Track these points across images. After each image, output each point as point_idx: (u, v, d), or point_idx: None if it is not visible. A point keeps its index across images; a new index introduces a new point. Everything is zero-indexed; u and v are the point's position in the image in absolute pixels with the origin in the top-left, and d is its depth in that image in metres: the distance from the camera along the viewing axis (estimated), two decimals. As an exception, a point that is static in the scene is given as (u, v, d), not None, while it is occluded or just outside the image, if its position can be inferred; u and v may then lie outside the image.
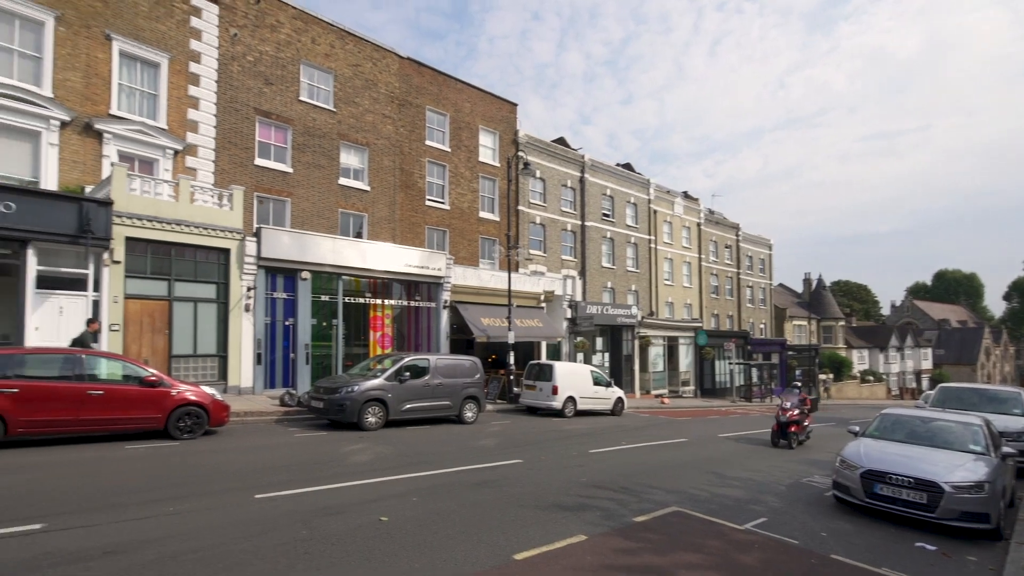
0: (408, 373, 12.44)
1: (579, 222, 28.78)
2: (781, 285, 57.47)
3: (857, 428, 8.76)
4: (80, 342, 10.37)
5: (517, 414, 16.60)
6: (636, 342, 27.91)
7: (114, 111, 14.39)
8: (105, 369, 8.86)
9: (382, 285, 17.76)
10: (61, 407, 8.06)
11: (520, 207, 25.70)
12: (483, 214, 24.20)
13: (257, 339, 14.36)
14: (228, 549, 4.48)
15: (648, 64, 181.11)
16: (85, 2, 14.06)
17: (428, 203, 22.10)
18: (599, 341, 26.73)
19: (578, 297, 26.73)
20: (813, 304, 50.50)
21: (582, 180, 29.06)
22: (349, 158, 19.76)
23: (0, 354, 8.00)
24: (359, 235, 19.43)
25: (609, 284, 30.25)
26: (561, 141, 30.33)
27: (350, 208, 19.50)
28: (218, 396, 10.10)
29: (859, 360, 55.02)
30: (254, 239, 14.61)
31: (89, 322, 11.10)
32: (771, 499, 7.72)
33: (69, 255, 11.70)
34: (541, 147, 27.13)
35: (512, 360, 18.82)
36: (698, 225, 38.05)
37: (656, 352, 29.80)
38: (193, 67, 16.00)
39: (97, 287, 11.92)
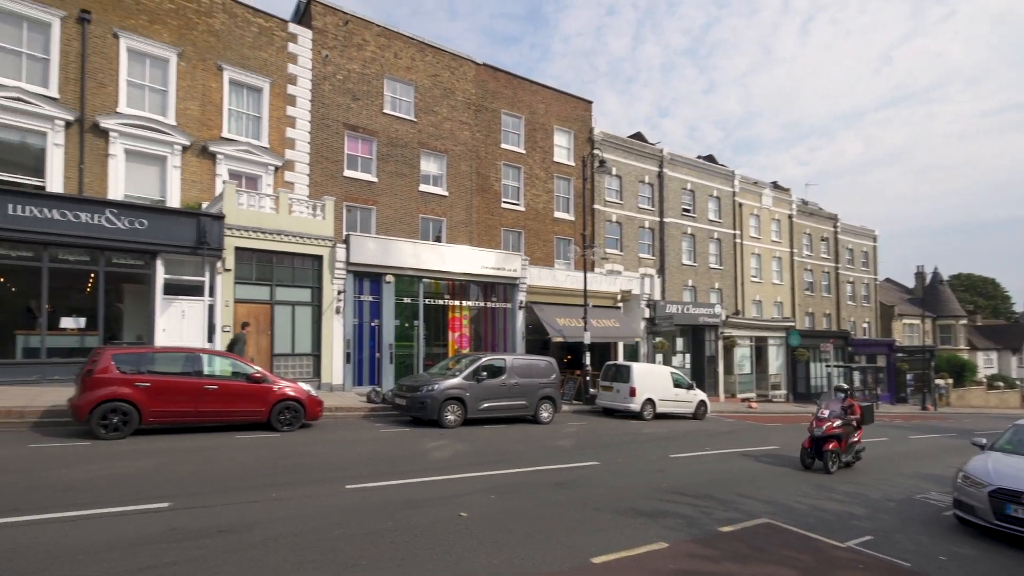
0: (485, 373, 12.72)
1: (657, 219, 27.94)
2: (888, 280, 52.24)
3: (984, 441, 7.84)
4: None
5: (593, 415, 16.46)
6: (720, 343, 26.62)
7: (225, 134, 15.98)
8: (218, 366, 9.88)
9: (460, 287, 18.31)
10: (183, 400, 9.09)
11: (596, 206, 25.41)
12: (558, 214, 24.20)
13: (346, 339, 15.35)
14: (324, 535, 4.81)
15: (731, 49, 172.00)
16: (202, 38, 15.74)
17: (504, 205, 22.46)
18: (679, 342, 25.79)
19: (656, 296, 25.98)
20: (927, 301, 45.37)
21: (660, 175, 28.18)
22: (429, 165, 20.55)
23: (135, 353, 9.22)
24: (438, 239, 20.16)
25: (690, 282, 29.09)
26: (638, 136, 29.61)
27: (430, 213, 20.27)
28: (313, 392, 10.91)
29: (985, 363, 48.72)
30: (343, 246, 15.61)
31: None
32: (879, 515, 7.10)
33: (189, 264, 13.21)
34: (617, 143, 26.65)
35: (588, 360, 18.67)
36: (789, 217, 35.56)
37: (742, 353, 28.24)
38: (290, 89, 17.38)
39: (212, 292, 13.36)
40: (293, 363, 14.51)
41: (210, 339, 13.06)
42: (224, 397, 9.49)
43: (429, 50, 20.78)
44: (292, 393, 10.28)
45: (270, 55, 17.05)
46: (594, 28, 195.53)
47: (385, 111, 19.42)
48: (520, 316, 19.29)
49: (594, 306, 20.35)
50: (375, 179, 19.03)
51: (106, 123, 13.89)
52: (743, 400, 26.09)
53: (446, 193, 20.73)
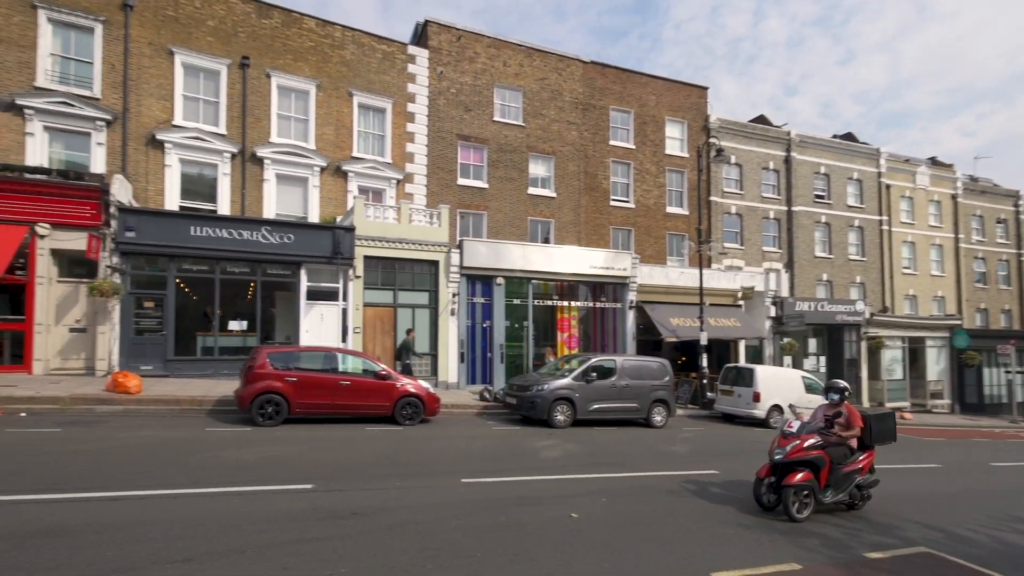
0: (595, 374, 12.70)
1: (784, 208, 25.63)
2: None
3: None
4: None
5: (711, 421, 15.67)
6: (863, 344, 23.72)
7: (355, 154, 17.75)
8: (351, 364, 11.09)
9: (568, 287, 18.45)
10: (323, 393, 10.32)
11: (713, 198, 24.02)
12: (670, 209, 23.28)
13: (460, 339, 16.27)
14: (442, 526, 5.15)
15: (874, 12, 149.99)
16: (335, 69, 17.61)
17: (613, 203, 22.16)
18: (812, 343, 23.47)
19: (784, 293, 23.81)
20: None
21: (787, 160, 25.81)
22: (537, 168, 20.95)
23: (284, 351, 10.70)
24: (547, 240, 20.49)
25: (824, 276, 26.27)
26: (760, 120, 27.37)
27: (538, 215, 20.67)
28: (431, 389, 11.78)
29: None
30: (457, 251, 16.55)
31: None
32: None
33: (326, 272, 14.94)
34: (736, 129, 24.93)
35: (705, 362, 17.79)
36: (952, 197, 30.52)
37: (892, 356, 24.86)
38: (409, 107, 18.77)
39: (345, 297, 14.99)
40: (413, 362, 15.72)
41: (343, 339, 14.68)
42: (355, 392, 10.61)
43: (536, 54, 21.15)
44: (413, 390, 11.16)
45: (392, 77, 18.56)
46: (709, 9, 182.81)
47: (495, 119, 20.16)
48: (630, 316, 18.94)
49: (711, 304, 19.33)
50: (486, 185, 19.85)
51: (261, 152, 16.17)
52: (893, 410, 23.00)
53: (554, 194, 20.98)
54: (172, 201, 15.02)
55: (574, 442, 10.31)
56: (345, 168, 17.40)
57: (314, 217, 16.65)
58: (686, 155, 23.59)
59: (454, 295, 16.24)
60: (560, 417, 11.97)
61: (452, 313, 16.16)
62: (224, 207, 15.64)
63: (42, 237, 12.10)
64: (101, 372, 12.36)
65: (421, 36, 20.02)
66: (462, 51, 19.82)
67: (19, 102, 13.42)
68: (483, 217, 19.75)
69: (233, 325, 14.08)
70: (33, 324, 12.05)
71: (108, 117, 14.31)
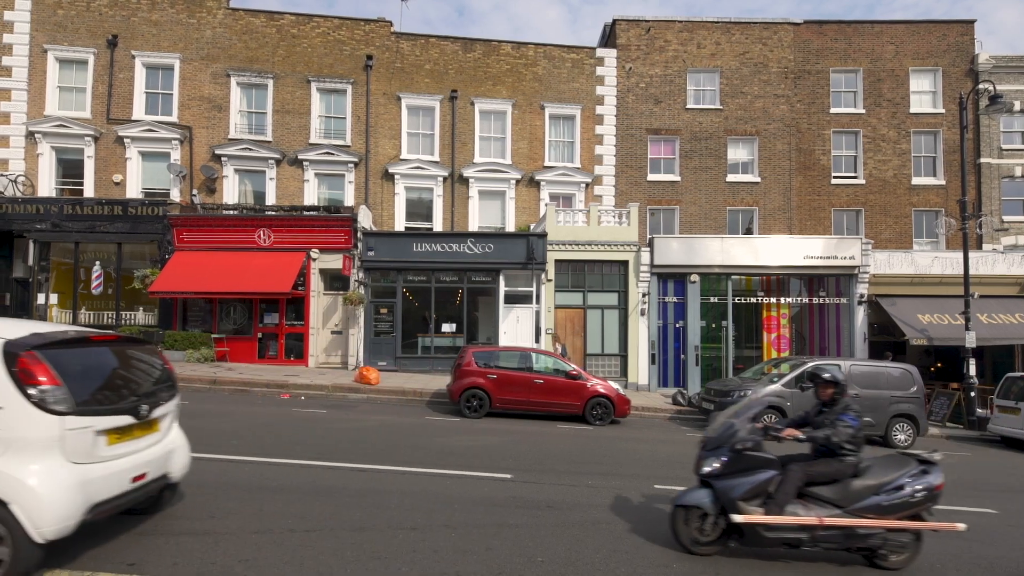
0: (811, 381, 11.25)
1: (1113, 163, 18.66)
2: None
3: None
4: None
5: (982, 445, 12.39)
6: None
7: (546, 163, 18.78)
8: (543, 363, 11.86)
9: (776, 282, 16.53)
10: (519, 390, 11.25)
11: (983, 159, 18.84)
12: (918, 180, 18.99)
13: (651, 341, 15.92)
14: (636, 529, 5.04)
15: None
16: (528, 86, 18.88)
17: (834, 181, 19.05)
18: None
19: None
20: None
21: (1117, 96, 18.71)
22: (737, 152, 19.25)
23: (485, 351, 12.00)
24: (749, 231, 18.66)
25: None
26: (1066, 47, 20.32)
27: (738, 204, 18.95)
28: (621, 391, 11.86)
29: None
30: (647, 249, 16.24)
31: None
32: None
33: (521, 277, 16.21)
34: (1018, 68, 19.05)
35: (973, 370, 14.10)
36: None
37: None
38: (598, 110, 19.07)
39: (538, 300, 16.02)
40: (603, 362, 15.99)
41: (536, 340, 15.69)
42: (548, 390, 11.31)
43: (735, 28, 19.44)
44: (603, 390, 11.40)
45: (580, 84, 19.09)
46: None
47: (688, 107, 19.17)
48: (860, 313, 16.06)
49: (981, 296, 15.22)
50: (678, 178, 18.99)
51: (467, 173, 18.28)
52: None
53: (758, 179, 18.99)
54: (399, 223, 18.04)
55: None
56: (538, 178, 18.53)
57: (510, 226, 18.16)
58: (940, 110, 18.97)
59: (644, 295, 15.99)
60: (767, 427, 10.94)
61: (642, 313, 15.94)
62: (438, 224, 18.14)
63: (314, 260, 15.88)
64: (351, 366, 15.63)
65: (609, 37, 20.11)
66: (651, 42, 19.30)
67: (300, 157, 17.71)
68: (675, 212, 18.94)
69: (445, 327, 16.25)
70: (309, 328, 15.92)
71: (355, 159, 17.89)
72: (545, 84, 18.91)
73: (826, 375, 4.78)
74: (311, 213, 16.09)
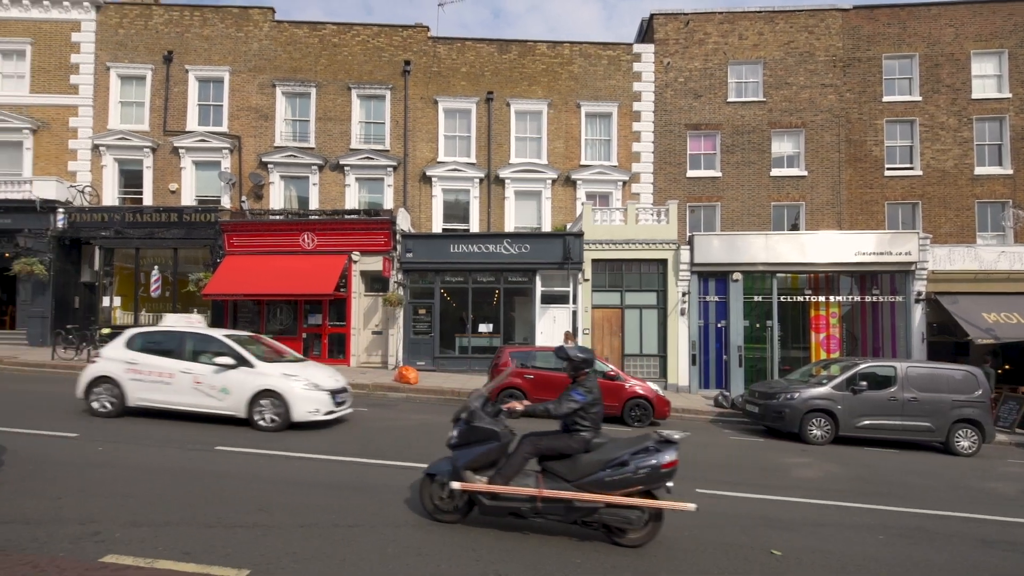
0: (864, 382, 10.72)
1: None
2: None
3: None
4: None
5: (1058, 455, 11.53)
6: None
7: (583, 162, 18.64)
8: (580, 364, 11.80)
9: (825, 280, 15.84)
10: (555, 390, 10.89)
11: (1059, 147, 17.49)
12: (981, 170, 17.84)
13: (691, 341, 15.53)
14: (676, 536, 4.83)
15: None
16: (564, 85, 18.80)
17: (888, 173, 18.12)
18: None
19: None
20: None
21: None
22: (781, 146, 18.58)
23: (522, 351, 12.00)
24: (795, 227, 17.98)
25: None
26: None
27: (783, 199, 18.28)
28: (660, 392, 11.63)
29: None
30: (687, 247, 15.88)
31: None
32: None
33: (557, 277, 16.13)
34: (1100, 46, 17.61)
35: (1047, 375, 13.13)
36: None
37: None
38: (635, 106, 18.79)
39: (575, 300, 15.91)
40: (641, 363, 15.72)
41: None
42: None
43: (780, 17, 18.78)
44: (641, 391, 11.22)
45: (617, 81, 18.86)
46: None
47: (729, 100, 18.65)
48: (918, 312, 15.22)
49: (1056, 296, 14.17)
50: (719, 174, 18.50)
51: (503, 173, 18.35)
52: None
53: (804, 173, 18.27)
54: (437, 225, 18.29)
55: (836, 462, 8.90)
56: (574, 177, 18.42)
57: (546, 226, 18.10)
58: (1006, 95, 17.78)
59: (684, 294, 15.64)
60: (816, 432, 10.48)
61: (682, 313, 15.59)
62: (475, 225, 18.29)
63: (355, 262, 16.29)
64: (391, 366, 15.95)
65: (646, 32, 19.80)
66: (690, 36, 18.87)
67: (341, 162, 18.21)
68: (716, 209, 18.44)
69: (482, 327, 16.36)
70: (351, 328, 16.34)
71: (394, 163, 18.25)
72: (581, 82, 18.77)
73: (561, 354, 4.73)
74: (352, 217, 16.53)
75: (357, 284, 16.42)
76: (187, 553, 3.76)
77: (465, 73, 18.68)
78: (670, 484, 4.45)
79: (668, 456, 4.42)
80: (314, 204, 18.07)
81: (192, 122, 18.29)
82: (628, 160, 18.69)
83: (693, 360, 15.56)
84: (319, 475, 6.00)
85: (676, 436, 4.55)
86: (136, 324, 16.87)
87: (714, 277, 15.90)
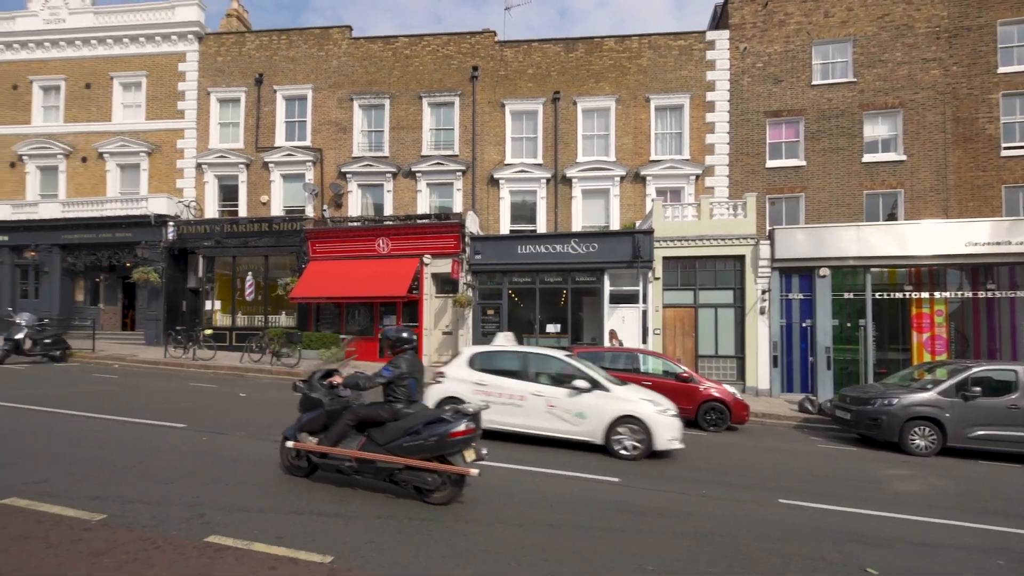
0: (978, 388, 9.64)
1: None
2: None
3: None
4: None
5: None
6: None
7: (652, 157, 18.15)
8: (652, 365, 11.49)
9: (929, 274, 14.37)
10: (626, 392, 11.03)
11: None
12: None
13: (773, 342, 14.63)
14: (753, 545, 4.66)
15: None
16: (633, 79, 18.40)
17: (1005, 153, 16.19)
18: None
19: None
20: None
21: None
22: (875, 128, 17.12)
23: (591, 351, 11.87)
24: (891, 217, 16.48)
25: None
26: None
27: (878, 187, 16.80)
28: (738, 395, 11.10)
29: None
30: (767, 242, 15.00)
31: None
32: None
33: (626, 276, 15.78)
34: None
35: None
36: None
37: None
38: (708, 96, 18.05)
39: (645, 299, 15.49)
40: (716, 365, 15.03)
41: (644, 340, 15.19)
42: (657, 392, 10.93)
43: (870, -11, 17.33)
44: (717, 394, 10.77)
45: (689, 71, 18.20)
46: None
47: (813, 83, 17.47)
48: (1045, 309, 13.45)
49: None
50: (802, 162, 17.33)
51: (570, 173, 18.25)
52: None
53: (902, 157, 16.71)
54: (504, 226, 18.50)
55: (942, 476, 8.07)
56: (643, 173, 17.96)
57: (615, 225, 17.78)
58: None
59: (764, 291, 14.77)
60: (920, 442, 9.56)
61: (762, 312, 14.73)
62: (542, 226, 18.32)
63: (426, 265, 16.85)
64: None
65: (720, 18, 18.96)
66: (769, 18, 17.85)
67: (413, 169, 18.91)
68: (799, 200, 17.29)
69: (550, 328, 16.33)
70: (423, 329, 16.90)
71: (463, 167, 18.68)
72: (650, 76, 18.28)
73: (383, 333, 5.90)
74: (423, 221, 17.12)
75: (428, 286, 16.98)
76: (279, 537, 4.07)
77: (531, 75, 18.77)
78: (483, 452, 5.12)
79: (458, 426, 4.94)
80: (388, 210, 18.90)
81: (280, 138, 19.73)
82: (701, 153, 17.96)
83: (775, 362, 14.65)
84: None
85: (471, 408, 5.16)
86: (234, 326, 18.48)
87: (798, 273, 14.89)
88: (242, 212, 19.60)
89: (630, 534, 4.78)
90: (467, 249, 16.65)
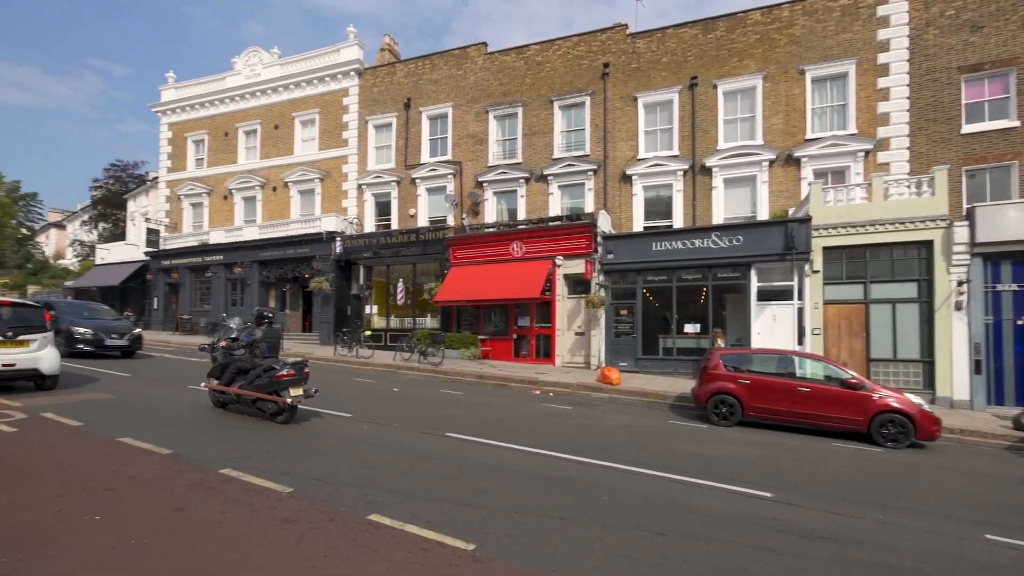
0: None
1: None
2: None
3: None
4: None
5: None
6: None
7: (808, 136, 16.27)
8: (810, 369, 10.21)
9: None
10: (778, 398, 9.94)
11: None
12: None
13: (974, 343, 12.11)
14: None
15: None
16: (783, 52, 16.72)
17: None
18: None
19: None
20: None
21: None
22: (1124, 71, 13.33)
23: (736, 353, 10.96)
24: None
25: None
26: None
27: None
28: (925, 407, 9.45)
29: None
30: (964, 223, 12.56)
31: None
32: None
33: (777, 271, 14.29)
34: None
35: None
36: None
37: None
38: (881, 58, 15.74)
39: (800, 296, 13.86)
40: (895, 370, 12.87)
41: (799, 341, 13.61)
42: (816, 400, 9.70)
43: None
44: (896, 405, 9.31)
45: (854, 33, 16.06)
46: None
47: (1025, 24, 14.19)
48: None
49: None
50: (1014, 123, 14.25)
51: (709, 162, 17.10)
52: None
53: None
54: (638, 224, 17.94)
55: None
56: (797, 155, 16.15)
57: (763, 214, 16.23)
58: None
59: (961, 283, 12.32)
60: None
61: (958, 307, 12.28)
62: (678, 221, 17.41)
63: (559, 266, 17.02)
64: (593, 366, 16.14)
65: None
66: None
67: (544, 172, 19.26)
68: (1010, 170, 14.17)
69: (688, 328, 15.44)
70: (555, 329, 17.09)
71: (594, 167, 18.54)
72: (805, 45, 16.39)
73: (255, 311, 8.60)
74: (555, 223, 17.34)
75: (561, 287, 17.13)
76: (428, 522, 4.43)
77: (666, 63, 17.98)
78: (313, 391, 8.03)
79: (282, 371, 7.49)
80: (521, 214, 19.49)
81: (424, 155, 21.51)
82: (871, 125, 15.61)
83: (977, 367, 12.12)
84: (527, 466, 6.45)
85: (298, 360, 7.79)
86: (388, 328, 20.54)
87: (1009, 259, 12.17)
88: (394, 225, 21.73)
89: (787, 557, 4.33)
90: (599, 249, 16.47)
